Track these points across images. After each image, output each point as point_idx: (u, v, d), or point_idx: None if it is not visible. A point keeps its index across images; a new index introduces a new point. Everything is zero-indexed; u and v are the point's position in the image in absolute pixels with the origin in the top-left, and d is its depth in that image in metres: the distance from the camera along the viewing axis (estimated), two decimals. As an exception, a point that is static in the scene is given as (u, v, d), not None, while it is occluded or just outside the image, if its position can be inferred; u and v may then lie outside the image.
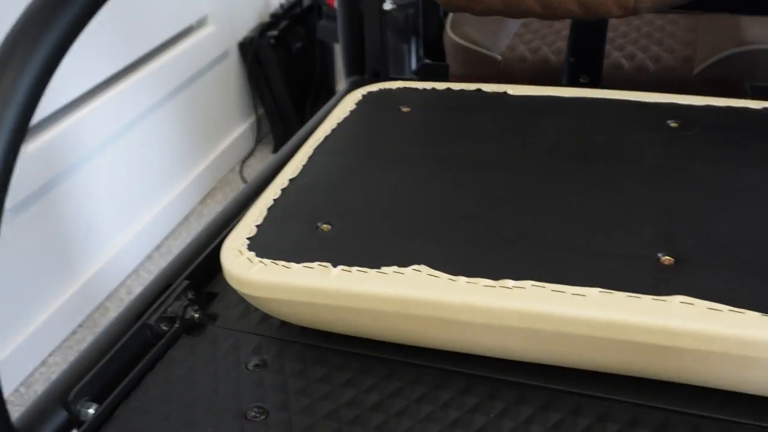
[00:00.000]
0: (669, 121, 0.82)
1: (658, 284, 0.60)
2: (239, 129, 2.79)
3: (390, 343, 0.70)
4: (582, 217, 0.68)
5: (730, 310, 0.57)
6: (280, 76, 2.68)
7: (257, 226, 0.71)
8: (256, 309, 0.76)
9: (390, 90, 0.94)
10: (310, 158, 0.80)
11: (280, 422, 0.64)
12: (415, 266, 0.64)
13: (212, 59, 2.47)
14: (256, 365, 0.70)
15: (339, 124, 0.87)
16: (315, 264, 0.65)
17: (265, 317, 0.75)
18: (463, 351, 0.67)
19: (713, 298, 0.58)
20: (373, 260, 0.65)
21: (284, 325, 0.74)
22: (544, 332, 0.60)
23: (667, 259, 0.62)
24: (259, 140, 2.91)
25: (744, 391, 0.62)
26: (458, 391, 0.66)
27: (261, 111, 2.87)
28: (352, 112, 0.90)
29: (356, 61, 1.22)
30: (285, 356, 0.71)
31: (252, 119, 2.87)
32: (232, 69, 2.65)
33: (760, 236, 0.64)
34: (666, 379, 0.63)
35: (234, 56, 2.65)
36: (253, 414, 0.65)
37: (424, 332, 0.65)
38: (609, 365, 0.63)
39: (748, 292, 0.58)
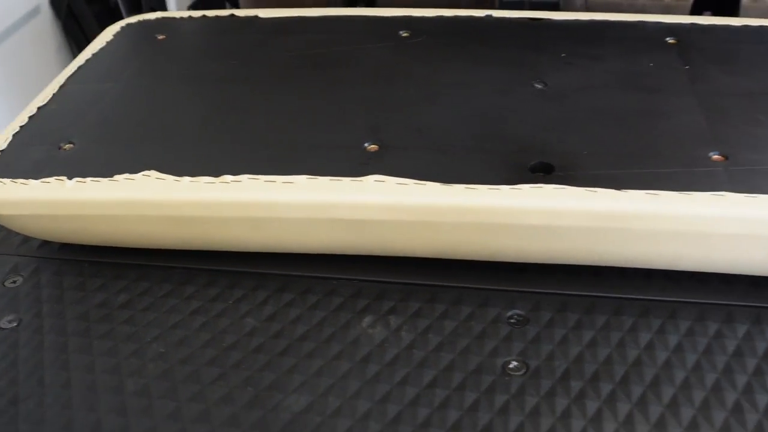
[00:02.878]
0: (401, 32, 0.90)
1: (361, 168, 0.67)
2: (64, 88, 2.71)
3: (142, 249, 0.75)
4: (303, 118, 0.75)
5: (415, 183, 0.65)
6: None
7: (1, 151, 0.74)
8: (17, 233, 0.79)
9: (148, 21, 0.98)
10: (62, 87, 0.84)
11: (32, 327, 0.68)
12: (146, 171, 0.69)
13: (21, 16, 2.39)
14: (13, 282, 0.74)
15: (94, 55, 0.90)
16: (52, 179, 0.69)
17: (26, 240, 0.79)
18: (204, 248, 0.73)
19: (403, 175, 0.66)
20: (108, 170, 0.70)
21: (44, 245, 0.78)
22: (263, 219, 0.67)
23: (372, 147, 0.70)
24: (87, 98, 2.84)
25: (440, 256, 0.71)
26: (202, 285, 0.72)
27: (86, 69, 2.80)
28: (108, 43, 0.93)
29: (133, 0, 1.24)
30: (42, 272, 0.75)
31: (78, 78, 2.80)
32: (46, 26, 2.57)
33: (454, 122, 0.73)
34: (381, 254, 0.71)
35: (47, 13, 2.57)
36: (5, 324, 0.69)
37: (164, 233, 0.71)
38: (328, 246, 0.71)
39: (434, 168, 0.67)
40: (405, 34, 0.90)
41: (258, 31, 0.93)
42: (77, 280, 0.73)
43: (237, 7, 1.36)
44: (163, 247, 0.74)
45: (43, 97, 0.82)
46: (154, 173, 0.69)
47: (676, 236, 0.63)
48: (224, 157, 0.70)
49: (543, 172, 0.66)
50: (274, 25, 0.94)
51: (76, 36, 2.65)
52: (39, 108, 0.80)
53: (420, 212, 0.64)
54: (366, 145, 0.70)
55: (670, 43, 0.85)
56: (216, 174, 0.68)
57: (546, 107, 0.74)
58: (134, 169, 0.69)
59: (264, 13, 0.97)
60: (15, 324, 0.69)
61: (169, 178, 0.68)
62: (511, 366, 0.62)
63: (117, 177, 0.69)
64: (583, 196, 0.62)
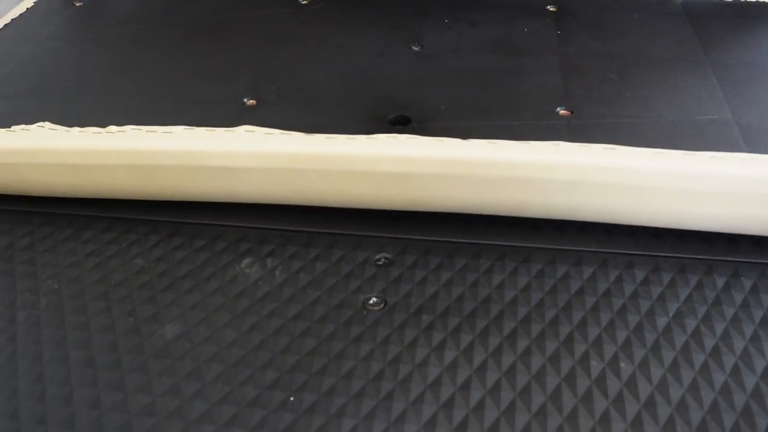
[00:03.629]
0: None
1: (236, 120, 0.73)
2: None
3: (48, 199, 0.80)
4: (192, 76, 0.81)
5: (281, 133, 0.71)
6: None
7: None
8: None
9: None
10: None
11: None
12: (40, 123, 0.74)
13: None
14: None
15: (12, 20, 0.96)
16: None
17: None
18: (97, 195, 0.79)
19: (272, 126, 0.72)
20: (7, 122, 0.75)
21: None
22: (146, 166, 0.73)
23: (251, 102, 0.76)
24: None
25: (311, 203, 0.76)
26: (100, 230, 0.78)
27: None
28: (27, 9, 0.98)
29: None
30: None
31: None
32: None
33: (331, 81, 0.79)
34: (260, 201, 0.77)
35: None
36: None
37: (57, 180, 0.76)
38: (209, 193, 0.76)
39: (304, 120, 0.73)
40: (304, 2, 0.95)
41: None
42: None
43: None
44: (59, 195, 0.79)
45: None
46: (47, 124, 0.74)
47: (519, 183, 0.69)
48: (115, 111, 0.76)
49: (401, 124, 0.72)
50: None
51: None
52: None
53: (284, 159, 0.70)
54: (245, 100, 0.76)
55: (550, 10, 0.91)
56: (102, 125, 0.74)
57: (417, 67, 0.80)
58: (31, 121, 0.75)
59: (172, -19, 1.02)
60: None
61: (61, 129, 0.74)
62: (370, 302, 0.68)
63: (14, 128, 0.74)
64: (431, 145, 0.68)
